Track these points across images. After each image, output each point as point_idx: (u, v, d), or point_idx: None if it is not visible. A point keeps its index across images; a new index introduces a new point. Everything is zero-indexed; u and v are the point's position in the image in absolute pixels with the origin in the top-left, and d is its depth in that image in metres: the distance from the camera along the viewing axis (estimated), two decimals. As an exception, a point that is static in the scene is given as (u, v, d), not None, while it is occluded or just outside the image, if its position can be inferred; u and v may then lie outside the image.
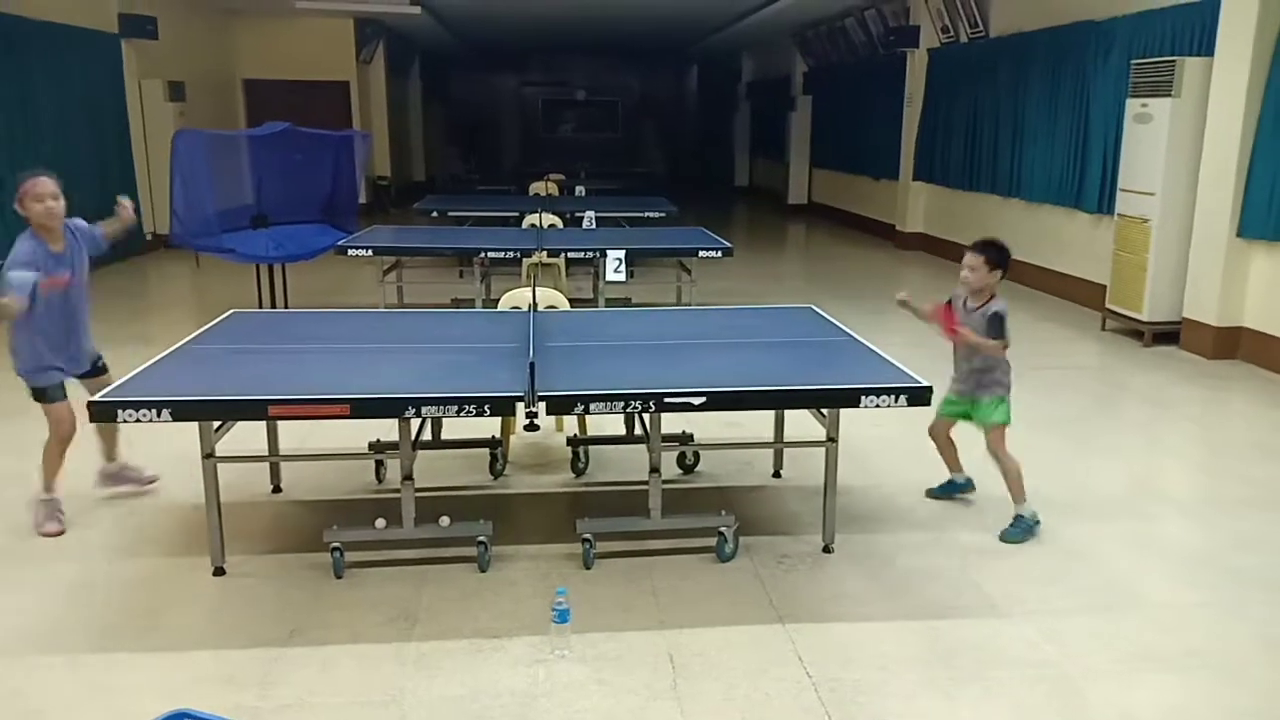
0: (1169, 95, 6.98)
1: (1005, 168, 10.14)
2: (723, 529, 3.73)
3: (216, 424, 3.53)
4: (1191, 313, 7.06)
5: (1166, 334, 7.23)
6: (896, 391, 3.40)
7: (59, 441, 3.93)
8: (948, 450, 4.28)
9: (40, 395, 3.91)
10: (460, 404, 3.22)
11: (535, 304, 4.75)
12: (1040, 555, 3.84)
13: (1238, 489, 4.61)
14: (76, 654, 3.10)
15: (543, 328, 4.16)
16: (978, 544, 3.92)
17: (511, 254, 7.27)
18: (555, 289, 5.50)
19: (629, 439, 4.56)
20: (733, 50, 20.53)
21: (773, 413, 4.35)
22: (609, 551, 3.72)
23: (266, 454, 4.20)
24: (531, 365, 3.38)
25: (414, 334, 4.48)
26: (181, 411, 3.21)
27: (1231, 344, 6.84)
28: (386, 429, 4.25)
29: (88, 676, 3.00)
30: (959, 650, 3.16)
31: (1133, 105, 7.39)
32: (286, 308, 7.82)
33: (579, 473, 4.58)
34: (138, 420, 3.16)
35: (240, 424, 3.75)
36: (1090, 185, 8.50)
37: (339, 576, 3.55)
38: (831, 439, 3.71)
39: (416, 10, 13.71)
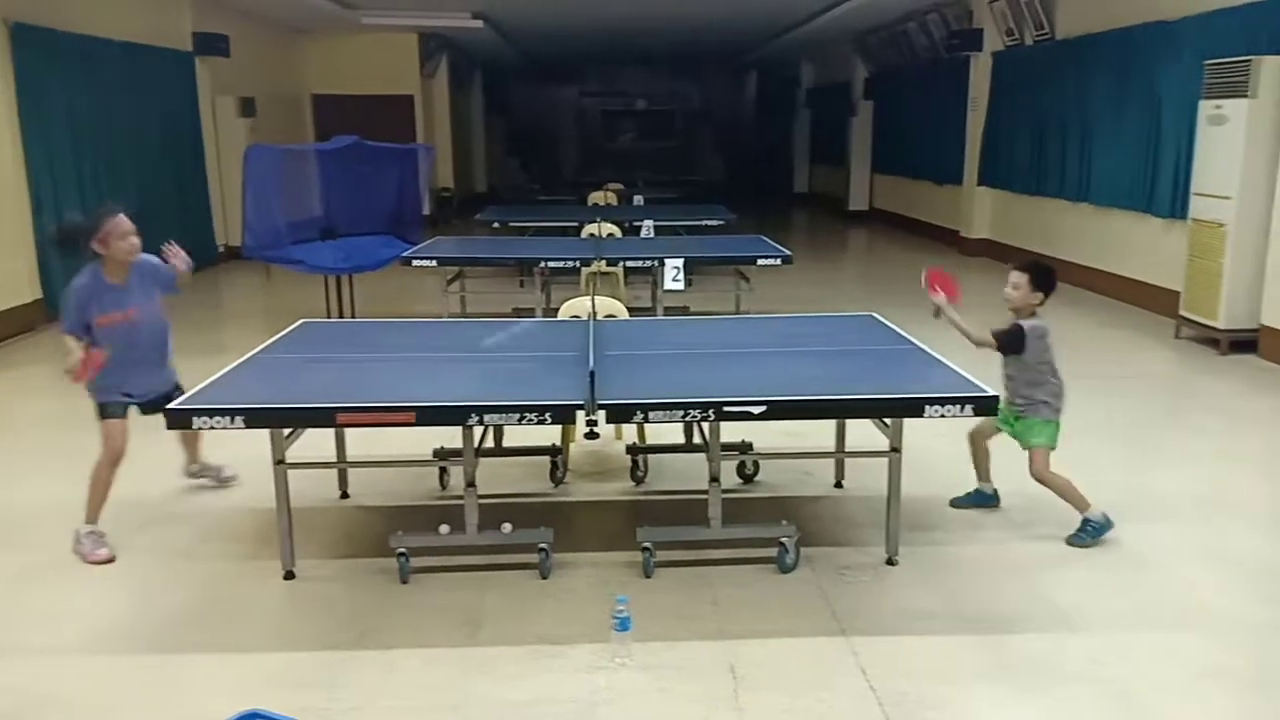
0: (1245, 96, 6.76)
1: (1073, 172, 9.93)
2: (784, 539, 3.71)
3: (287, 431, 3.62)
4: (1270, 320, 6.83)
5: (1243, 342, 7.00)
6: (962, 401, 3.35)
7: (109, 461, 3.90)
8: (982, 457, 4.23)
9: (100, 410, 3.95)
10: (522, 412, 3.26)
11: (595, 313, 4.79)
12: (1108, 566, 3.75)
13: (1319, 502, 4.46)
14: (149, 654, 3.20)
15: (602, 336, 4.19)
16: (1043, 554, 3.84)
17: (571, 263, 7.33)
18: (614, 298, 5.53)
19: (688, 448, 4.57)
20: (791, 57, 20.45)
21: (834, 422, 4.32)
22: (668, 560, 3.73)
23: (335, 460, 4.29)
24: (591, 374, 3.42)
25: (477, 343, 4.54)
26: (254, 419, 3.30)
27: (1312, 352, 6.62)
28: (450, 436, 4.32)
29: (160, 676, 3.09)
30: (1025, 664, 3.10)
31: (1206, 107, 7.18)
32: (354, 317, 7.99)
33: (638, 481, 4.60)
34: (211, 427, 3.27)
35: (309, 430, 3.84)
36: (1162, 189, 8.28)
37: (404, 581, 3.61)
38: (895, 449, 3.67)
39: (479, 24, 13.93)
